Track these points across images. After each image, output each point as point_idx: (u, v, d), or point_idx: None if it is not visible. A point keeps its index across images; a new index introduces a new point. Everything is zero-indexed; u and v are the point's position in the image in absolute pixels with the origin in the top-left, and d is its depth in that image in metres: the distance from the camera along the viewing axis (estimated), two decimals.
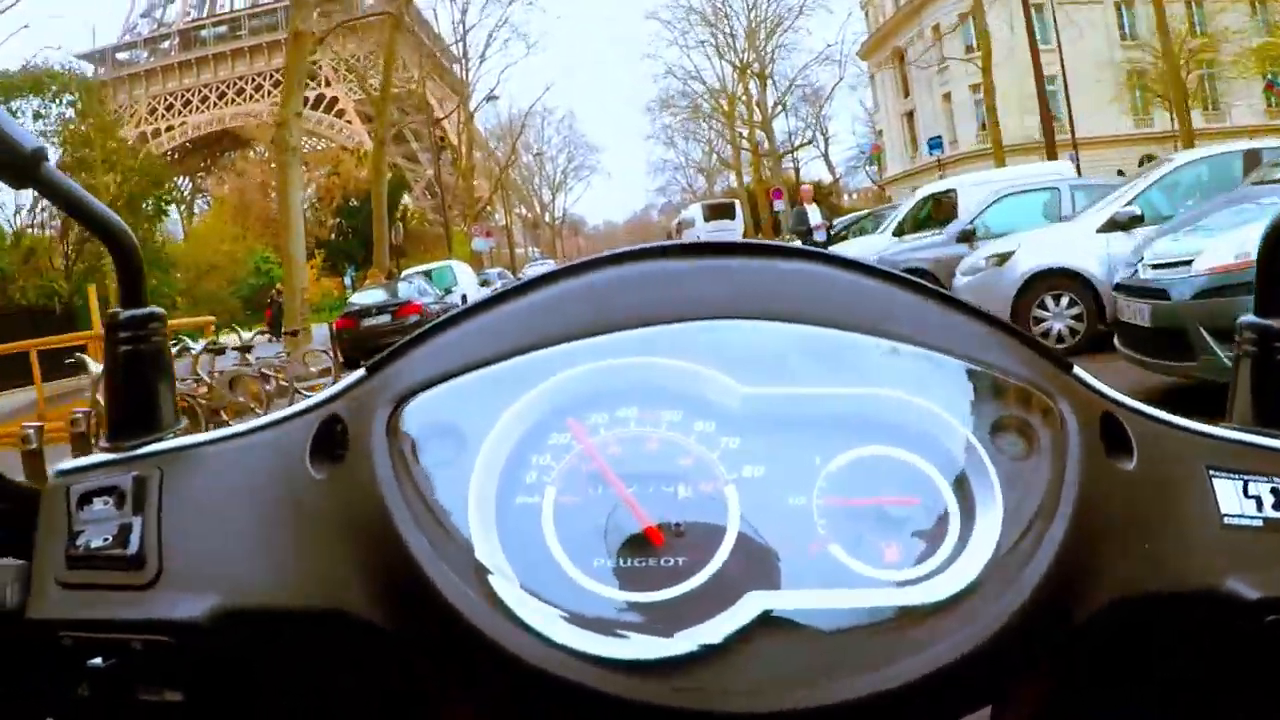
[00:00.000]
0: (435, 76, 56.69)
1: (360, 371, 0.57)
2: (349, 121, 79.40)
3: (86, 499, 0.53)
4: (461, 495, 0.48)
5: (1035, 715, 0.51)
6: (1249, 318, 0.62)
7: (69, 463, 0.56)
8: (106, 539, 0.51)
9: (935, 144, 45.52)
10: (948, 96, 50.14)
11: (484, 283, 27.58)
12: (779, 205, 40.75)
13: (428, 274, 24.11)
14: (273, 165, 45.56)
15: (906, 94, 54.96)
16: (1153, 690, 0.54)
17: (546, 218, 75.00)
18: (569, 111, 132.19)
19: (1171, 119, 37.24)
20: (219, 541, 0.52)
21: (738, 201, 42.58)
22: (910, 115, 55.30)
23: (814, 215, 16.22)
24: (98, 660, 0.48)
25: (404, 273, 24.90)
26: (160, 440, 0.57)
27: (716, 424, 0.51)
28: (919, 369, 0.53)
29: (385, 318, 18.31)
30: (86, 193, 0.58)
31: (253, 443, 0.55)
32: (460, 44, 49.04)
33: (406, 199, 49.85)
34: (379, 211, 28.25)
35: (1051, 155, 22.67)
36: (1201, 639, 0.52)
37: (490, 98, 47.11)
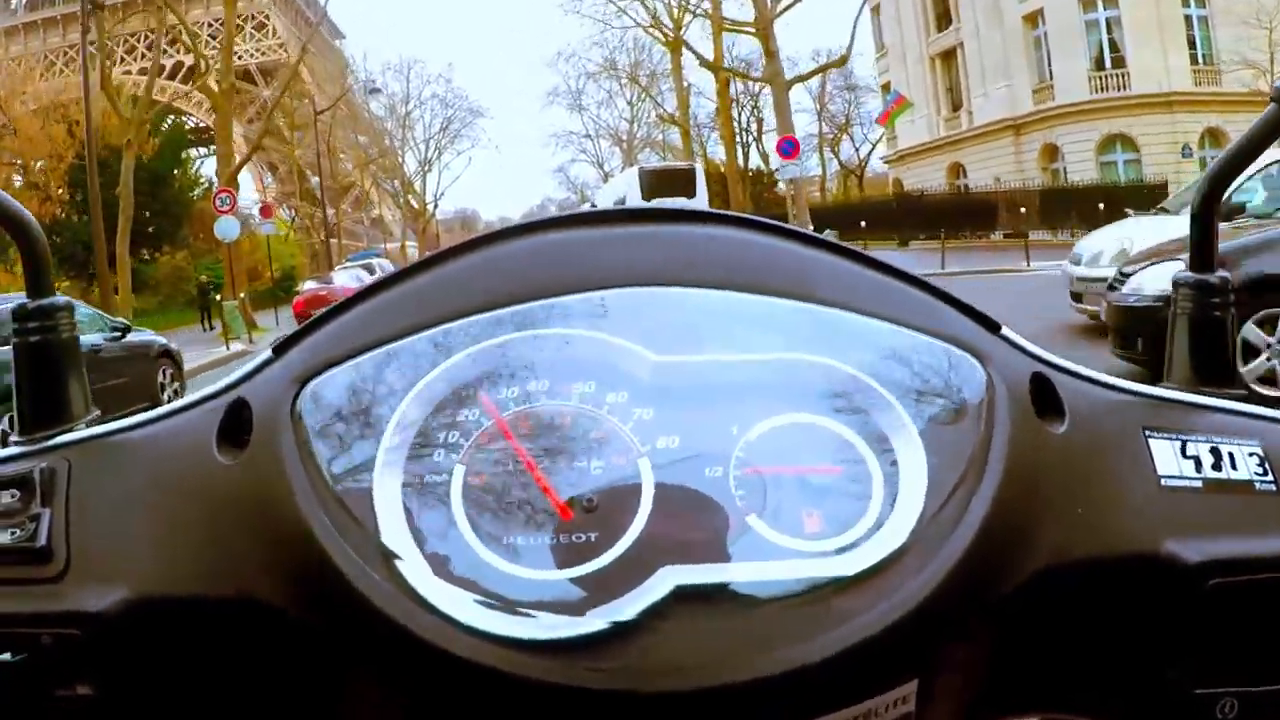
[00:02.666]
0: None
1: (267, 353, 0.55)
2: (212, 91, 63.03)
3: None
4: (367, 476, 0.47)
5: (965, 685, 0.49)
6: (1184, 274, 0.60)
7: None
8: (15, 532, 0.50)
9: None
10: (1035, 18, 32.37)
11: None
12: (788, 170, 22.84)
13: None
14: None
15: (944, 23, 37.40)
16: (1088, 658, 0.52)
17: (414, 203, 55.10)
18: (446, 64, 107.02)
19: None
20: (128, 532, 0.51)
21: (698, 166, 27.94)
22: (948, 56, 37.42)
23: None
24: (6, 655, 0.48)
25: None
26: (70, 431, 0.56)
27: (629, 395, 0.49)
28: (840, 333, 0.52)
29: None
30: None
31: (161, 430, 0.54)
32: None
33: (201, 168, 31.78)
34: None
35: None
36: (1139, 605, 0.50)
37: None
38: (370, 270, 27.35)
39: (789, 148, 22.59)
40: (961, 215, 29.09)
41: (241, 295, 21.62)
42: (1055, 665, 0.52)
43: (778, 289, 0.53)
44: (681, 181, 25.29)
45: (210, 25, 38.45)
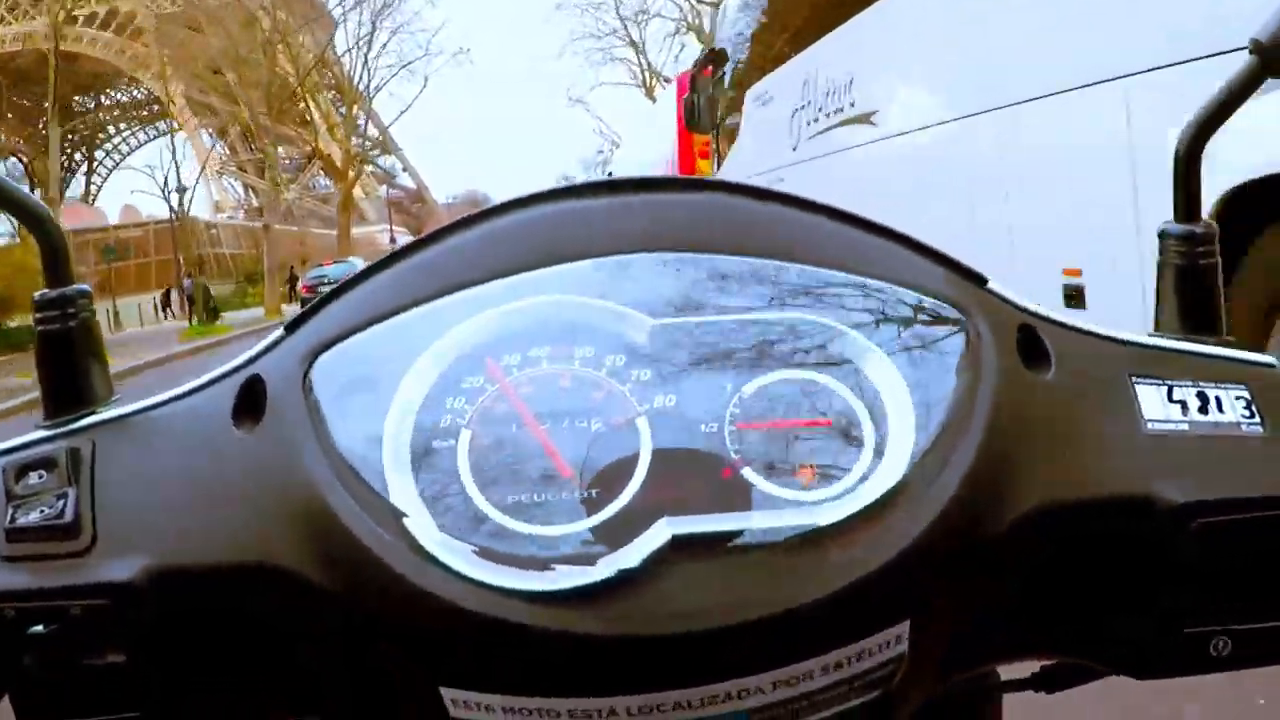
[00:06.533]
0: None
1: (280, 330, 0.59)
2: (145, 45, 59.82)
3: (22, 474, 0.55)
4: (376, 444, 0.50)
5: (956, 626, 0.51)
6: (1170, 224, 0.63)
7: (5, 442, 0.58)
8: (43, 510, 0.53)
9: None
10: None
11: None
12: None
13: None
14: None
15: None
16: (1078, 600, 0.55)
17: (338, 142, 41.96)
18: None
19: None
20: (152, 505, 0.54)
21: None
22: None
23: None
24: (39, 628, 0.50)
25: None
26: (94, 414, 0.59)
27: (627, 357, 0.52)
28: (829, 290, 0.55)
29: None
30: (4, 178, 0.61)
31: (180, 408, 0.58)
32: None
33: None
34: None
35: None
36: (1127, 546, 0.53)
37: None
38: None
39: None
40: None
41: None
42: (1046, 608, 0.54)
43: (768, 251, 0.56)
44: None
45: None
